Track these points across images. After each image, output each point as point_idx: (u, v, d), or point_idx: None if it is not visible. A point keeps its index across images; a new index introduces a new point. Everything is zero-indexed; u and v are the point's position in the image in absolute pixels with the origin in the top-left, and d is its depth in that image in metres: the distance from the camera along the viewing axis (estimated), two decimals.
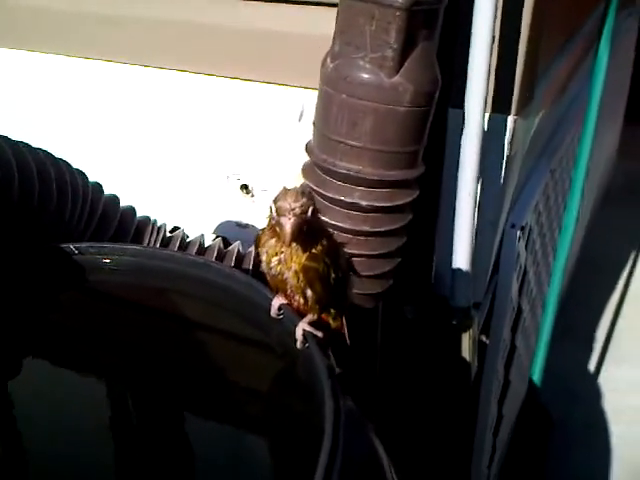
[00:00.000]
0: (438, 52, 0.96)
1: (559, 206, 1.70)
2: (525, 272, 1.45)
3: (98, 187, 1.03)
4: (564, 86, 1.51)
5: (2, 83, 1.43)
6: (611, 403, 2.03)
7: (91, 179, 1.04)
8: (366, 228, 0.97)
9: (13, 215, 0.90)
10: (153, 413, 0.87)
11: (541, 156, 1.49)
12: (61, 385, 0.88)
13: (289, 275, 0.76)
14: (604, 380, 2.11)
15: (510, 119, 1.10)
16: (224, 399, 0.86)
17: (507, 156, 1.13)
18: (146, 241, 1.02)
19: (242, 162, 1.27)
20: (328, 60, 0.92)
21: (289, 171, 1.17)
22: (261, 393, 0.86)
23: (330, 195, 0.96)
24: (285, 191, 0.74)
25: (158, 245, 1.03)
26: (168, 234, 1.07)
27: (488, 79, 1.02)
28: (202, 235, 1.09)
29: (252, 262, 1.03)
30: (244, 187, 1.28)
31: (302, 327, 0.77)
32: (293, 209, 0.72)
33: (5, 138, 0.92)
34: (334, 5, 0.91)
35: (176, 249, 1.02)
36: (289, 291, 0.78)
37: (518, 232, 1.30)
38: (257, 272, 1.01)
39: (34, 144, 0.97)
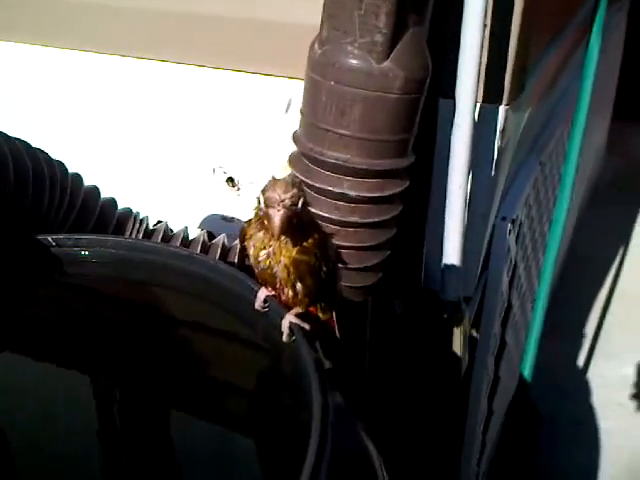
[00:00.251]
0: (428, 40, 0.94)
1: (549, 200, 1.68)
2: (515, 266, 1.44)
3: (77, 178, 0.99)
4: (555, 78, 1.50)
5: None
6: (600, 399, 2.02)
7: (72, 170, 1.00)
8: (355, 219, 0.94)
9: None
10: (135, 410, 0.85)
11: (531, 149, 1.47)
12: (39, 382, 0.85)
13: (279, 269, 0.73)
14: (593, 376, 2.11)
15: (501, 109, 1.08)
16: (208, 395, 0.83)
17: (498, 147, 1.11)
18: (127, 234, 0.98)
19: (228, 154, 1.24)
20: (316, 46, 0.89)
21: (276, 164, 1.15)
22: (246, 389, 0.84)
23: (318, 185, 0.93)
24: (274, 181, 0.71)
25: (140, 238, 0.99)
26: (151, 227, 1.04)
27: (479, 68, 1.00)
28: (186, 228, 1.07)
29: (237, 255, 1.00)
30: (230, 180, 1.25)
31: (289, 319, 0.75)
32: (282, 200, 0.69)
33: None
34: None
35: (159, 242, 0.99)
36: (278, 285, 0.76)
37: (509, 225, 1.28)
38: (243, 265, 0.99)
39: (14, 134, 0.94)
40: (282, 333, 0.75)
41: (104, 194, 1.04)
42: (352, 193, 0.93)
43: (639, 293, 2.36)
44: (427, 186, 1.09)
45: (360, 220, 0.95)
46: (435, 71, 0.95)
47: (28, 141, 0.95)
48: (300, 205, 0.71)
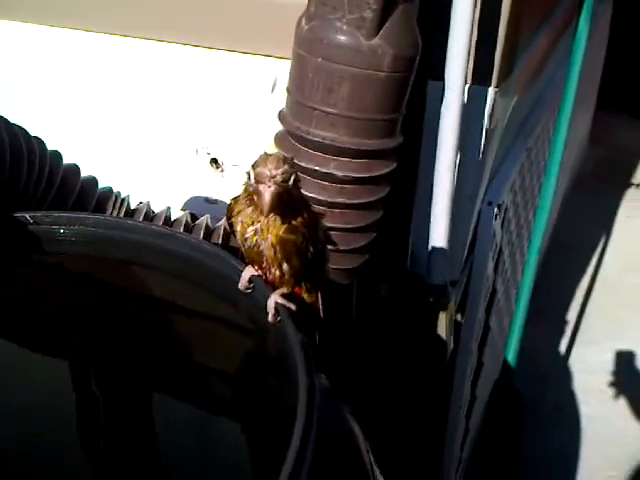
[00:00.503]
0: (418, 21, 0.92)
1: (534, 187, 1.68)
2: (500, 252, 1.43)
3: (57, 155, 0.96)
4: (542, 64, 1.49)
5: None
6: (581, 385, 2.04)
7: (51, 148, 0.97)
8: (341, 200, 0.93)
9: None
10: (116, 393, 0.83)
11: (518, 135, 1.47)
12: (16, 364, 0.83)
13: (265, 247, 0.72)
14: (574, 362, 2.12)
15: (490, 91, 1.07)
16: (191, 378, 0.82)
17: (486, 130, 1.10)
18: (108, 213, 0.96)
19: (212, 135, 1.22)
20: (303, 22, 0.87)
21: (261, 145, 1.12)
22: (230, 371, 0.82)
23: (304, 165, 0.91)
24: (266, 156, 0.69)
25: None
26: (132, 207, 1.02)
27: (469, 49, 0.99)
28: (168, 208, 1.04)
29: (221, 236, 0.98)
30: (214, 161, 1.23)
31: (274, 299, 0.73)
32: (274, 176, 0.67)
33: None
34: None
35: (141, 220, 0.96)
36: (265, 264, 0.74)
37: (495, 210, 1.27)
38: (227, 246, 0.97)
39: None
40: (267, 313, 0.74)
41: (84, 173, 1.01)
42: (339, 173, 0.91)
43: (620, 281, 2.38)
44: (414, 168, 1.08)
45: (347, 201, 0.93)
46: (424, 52, 0.93)
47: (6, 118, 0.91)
48: (291, 182, 0.69)
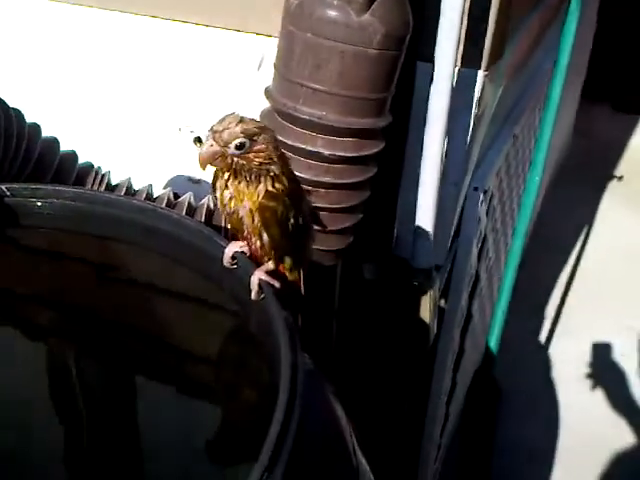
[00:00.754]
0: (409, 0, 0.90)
1: (519, 176, 1.68)
2: (485, 239, 1.43)
3: (35, 128, 0.93)
4: (531, 51, 1.49)
5: None
6: (560, 374, 2.06)
7: (30, 121, 0.94)
8: (328, 179, 0.91)
9: None
10: (95, 375, 0.81)
11: (505, 121, 1.46)
12: None
13: (245, 213, 0.70)
14: (553, 351, 2.14)
15: (480, 74, 1.06)
16: (172, 358, 0.80)
17: (475, 114, 1.09)
18: (88, 188, 0.93)
19: (196, 113, 1.19)
20: None
21: None
22: (212, 351, 0.81)
23: (290, 143, 0.90)
24: (229, 115, 0.68)
25: None
26: (113, 183, 0.99)
27: (460, 31, 0.97)
28: (150, 185, 1.02)
29: (204, 215, 0.96)
30: (198, 140, 1.20)
31: (258, 276, 0.72)
32: (215, 132, 0.67)
33: None
34: None
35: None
36: (246, 232, 0.72)
37: (480, 196, 1.27)
38: (210, 223, 0.95)
39: None
40: (251, 291, 0.72)
41: (64, 148, 0.99)
42: (326, 152, 0.89)
43: (600, 272, 2.41)
44: (402, 150, 1.07)
45: (333, 181, 0.92)
46: (414, 33, 0.92)
47: None
48: (241, 152, 0.67)
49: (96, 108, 1.25)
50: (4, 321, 0.82)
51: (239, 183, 0.69)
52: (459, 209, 1.22)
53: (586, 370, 2.06)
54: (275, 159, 0.69)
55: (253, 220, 0.70)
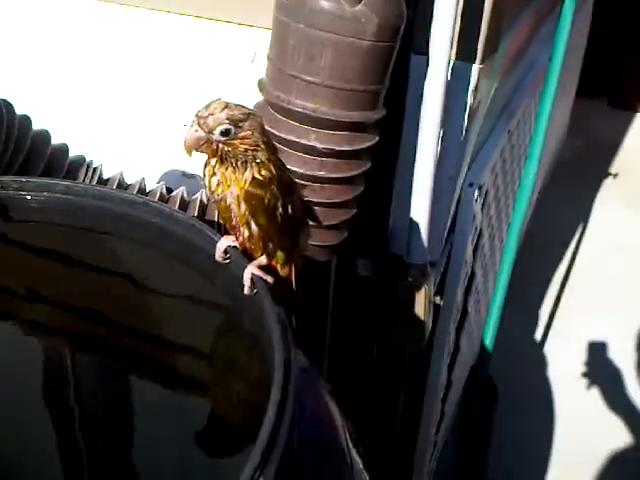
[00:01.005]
0: None
1: (514, 171, 1.68)
2: (480, 235, 1.42)
3: (26, 120, 0.92)
4: (526, 45, 1.48)
5: None
6: (555, 372, 2.05)
7: (20, 113, 0.93)
8: (322, 174, 0.90)
9: None
10: (86, 369, 0.80)
11: (500, 116, 1.45)
12: None
13: (232, 201, 0.69)
14: (549, 350, 2.14)
15: (475, 67, 1.05)
16: (164, 354, 0.79)
17: (469, 108, 1.08)
18: (79, 181, 0.92)
19: (188, 106, 1.17)
20: None
21: None
22: (204, 347, 0.79)
23: (283, 136, 0.88)
24: (214, 100, 0.67)
25: None
26: (105, 177, 0.98)
27: (455, 23, 0.96)
28: (143, 179, 1.01)
29: (197, 209, 0.95)
30: None
31: (250, 270, 0.70)
32: (200, 118, 0.66)
33: None
34: None
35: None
36: (234, 221, 0.71)
37: (476, 192, 1.26)
38: (203, 219, 0.94)
39: None
40: (243, 285, 0.71)
41: (55, 141, 0.97)
42: (319, 145, 0.88)
43: (596, 270, 2.40)
44: (396, 144, 1.06)
45: (327, 175, 0.91)
46: (408, 25, 0.91)
47: None
48: (226, 138, 0.66)
49: (88, 101, 1.23)
50: None
51: (226, 169, 0.68)
52: (454, 205, 1.21)
53: (582, 368, 2.05)
54: (261, 146, 0.68)
55: (240, 207, 0.69)
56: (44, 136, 0.94)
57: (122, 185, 0.97)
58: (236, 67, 1.11)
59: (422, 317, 1.12)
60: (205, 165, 0.71)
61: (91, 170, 0.94)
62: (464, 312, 1.48)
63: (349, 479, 0.72)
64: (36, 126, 0.96)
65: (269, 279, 0.71)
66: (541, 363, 2.10)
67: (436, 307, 1.29)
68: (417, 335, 1.14)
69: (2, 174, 0.87)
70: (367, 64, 0.85)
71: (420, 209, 1.07)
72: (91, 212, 0.78)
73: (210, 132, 0.66)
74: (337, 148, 0.89)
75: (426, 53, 0.99)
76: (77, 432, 0.73)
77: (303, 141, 0.88)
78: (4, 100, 0.90)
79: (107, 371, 0.80)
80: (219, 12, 1.10)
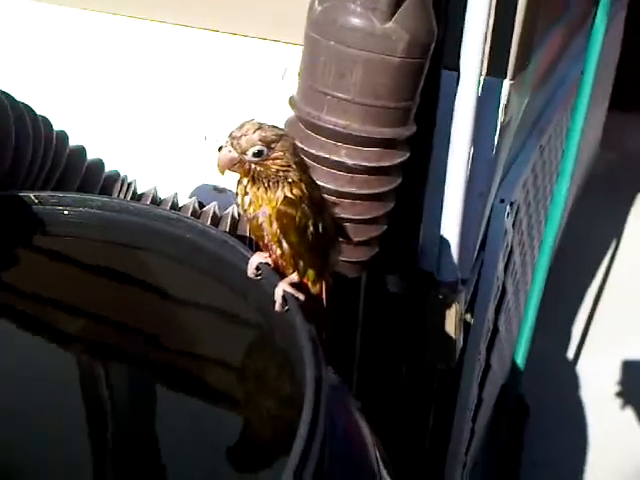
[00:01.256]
0: (433, 7, 0.90)
1: (546, 187, 1.66)
2: (511, 251, 1.41)
3: (63, 136, 0.94)
4: (557, 60, 1.47)
5: None
6: (588, 392, 2.01)
7: (57, 128, 0.95)
8: (352, 190, 0.90)
9: None
10: (120, 383, 0.80)
11: (531, 132, 1.44)
12: (14, 351, 0.81)
13: (264, 219, 0.70)
14: (581, 368, 2.09)
15: (506, 83, 1.04)
16: (194, 367, 0.79)
17: (501, 123, 1.07)
18: (114, 196, 0.93)
19: (220, 122, 1.20)
20: (316, 3, 0.85)
21: None
22: (235, 363, 0.79)
23: (314, 152, 0.89)
24: (248, 121, 0.68)
25: None
26: (139, 192, 0.99)
27: (486, 39, 0.96)
28: (176, 194, 1.02)
29: (229, 224, 0.96)
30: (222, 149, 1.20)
31: (282, 287, 0.71)
32: (233, 138, 0.67)
33: None
34: None
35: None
36: (266, 240, 0.72)
37: (507, 208, 1.25)
38: (235, 235, 0.95)
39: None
40: (275, 302, 0.71)
41: (91, 156, 0.99)
42: (349, 162, 0.89)
43: (631, 287, 2.35)
44: (426, 160, 1.05)
45: (357, 191, 0.91)
46: (438, 41, 0.91)
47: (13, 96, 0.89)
48: (258, 159, 0.67)
49: (122, 116, 1.26)
50: (31, 329, 0.82)
51: (257, 189, 0.70)
52: (485, 221, 1.20)
53: (616, 388, 2.00)
54: (293, 166, 0.69)
55: (271, 225, 0.70)
56: (80, 151, 0.96)
57: (156, 200, 0.98)
58: (267, 83, 1.12)
59: (452, 335, 1.11)
60: (238, 183, 0.72)
61: (125, 185, 0.96)
62: (495, 330, 1.46)
63: None
64: (72, 141, 0.98)
65: (301, 296, 0.71)
66: (573, 382, 2.06)
67: (466, 325, 1.27)
68: (447, 353, 1.13)
69: (40, 189, 0.90)
70: (398, 81, 0.85)
71: (450, 225, 1.06)
72: (126, 227, 0.79)
73: (243, 153, 0.68)
74: (367, 164, 0.89)
75: (457, 69, 0.99)
76: (108, 444, 0.74)
77: (333, 157, 0.89)
78: (42, 116, 0.92)
79: (138, 384, 0.81)
80: (250, 29, 1.12)
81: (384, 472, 0.74)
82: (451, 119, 1.01)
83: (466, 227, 1.09)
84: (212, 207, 1.00)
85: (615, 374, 2.04)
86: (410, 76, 0.86)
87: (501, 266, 1.33)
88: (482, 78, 1.02)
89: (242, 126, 0.68)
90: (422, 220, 1.09)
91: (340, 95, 0.85)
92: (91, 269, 0.84)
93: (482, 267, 1.27)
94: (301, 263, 0.74)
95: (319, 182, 0.89)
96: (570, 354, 2.15)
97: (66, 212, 0.80)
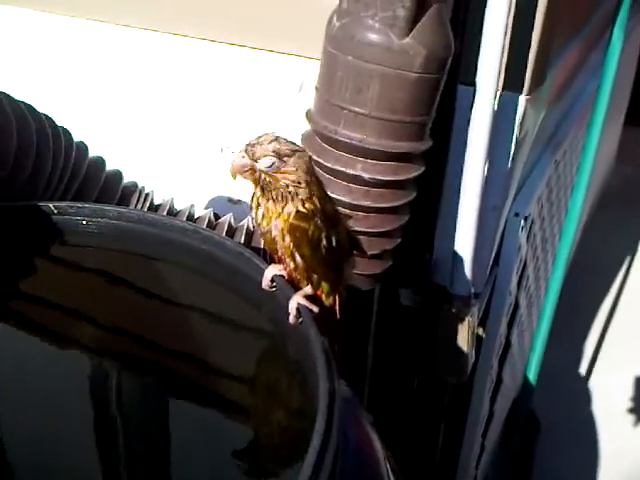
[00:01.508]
0: (450, 23, 0.90)
1: (560, 201, 1.65)
2: (525, 266, 1.40)
3: (83, 147, 0.96)
4: (573, 75, 1.47)
5: None
6: (601, 408, 1.99)
7: (77, 139, 0.97)
8: (367, 203, 0.91)
9: None
10: (132, 392, 0.81)
11: (546, 146, 1.44)
12: (33, 357, 0.82)
13: (277, 233, 0.71)
14: (593, 384, 2.07)
15: (522, 98, 1.05)
16: (207, 377, 0.80)
17: (516, 138, 1.08)
18: (132, 207, 0.95)
19: (237, 134, 1.21)
20: (334, 18, 0.86)
21: None
22: (248, 372, 0.80)
23: (330, 166, 0.89)
24: (265, 133, 0.70)
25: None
26: (156, 203, 1.01)
27: (502, 54, 0.97)
28: (192, 205, 1.03)
29: (244, 236, 0.96)
30: None
31: (296, 300, 0.71)
32: (248, 145, 0.69)
33: None
34: None
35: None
36: (280, 253, 0.73)
37: (521, 222, 1.25)
38: (250, 246, 0.95)
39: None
40: (289, 314, 0.72)
41: (109, 168, 1.01)
42: (365, 175, 0.89)
43: None
44: (441, 174, 1.06)
45: (372, 204, 0.91)
46: (455, 56, 0.91)
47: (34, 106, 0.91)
48: (269, 169, 0.68)
49: (141, 128, 1.27)
50: (50, 338, 0.83)
51: (267, 201, 0.71)
52: (499, 235, 1.19)
53: (628, 404, 1.99)
54: (304, 184, 0.70)
55: (284, 239, 0.71)
56: (99, 162, 0.97)
57: (172, 211, 0.99)
58: (284, 96, 1.13)
59: (465, 349, 1.10)
60: (252, 196, 0.73)
61: (143, 196, 0.97)
62: (507, 344, 1.45)
63: None
64: (91, 152, 1.00)
65: (315, 309, 0.71)
66: (586, 397, 2.04)
67: (479, 339, 1.27)
68: (459, 367, 1.13)
69: (59, 198, 0.91)
70: (414, 96, 0.86)
71: (464, 239, 1.06)
72: (143, 238, 0.81)
73: (255, 160, 0.69)
74: (383, 178, 0.90)
75: (473, 84, 0.99)
76: (119, 451, 0.74)
77: (349, 171, 0.89)
78: (63, 127, 0.94)
79: (151, 393, 0.81)
80: (269, 43, 1.13)
81: None
82: (467, 133, 1.01)
83: (480, 241, 1.09)
84: (227, 218, 1.01)
85: (628, 390, 2.02)
86: (427, 91, 0.87)
87: (515, 280, 1.33)
88: (498, 93, 1.02)
89: (260, 136, 0.70)
90: (436, 234, 1.09)
91: (357, 109, 0.86)
92: (108, 279, 0.85)
93: (495, 281, 1.26)
94: (315, 276, 0.74)
95: (334, 195, 0.90)
96: (582, 369, 2.13)
97: (84, 222, 0.81)
